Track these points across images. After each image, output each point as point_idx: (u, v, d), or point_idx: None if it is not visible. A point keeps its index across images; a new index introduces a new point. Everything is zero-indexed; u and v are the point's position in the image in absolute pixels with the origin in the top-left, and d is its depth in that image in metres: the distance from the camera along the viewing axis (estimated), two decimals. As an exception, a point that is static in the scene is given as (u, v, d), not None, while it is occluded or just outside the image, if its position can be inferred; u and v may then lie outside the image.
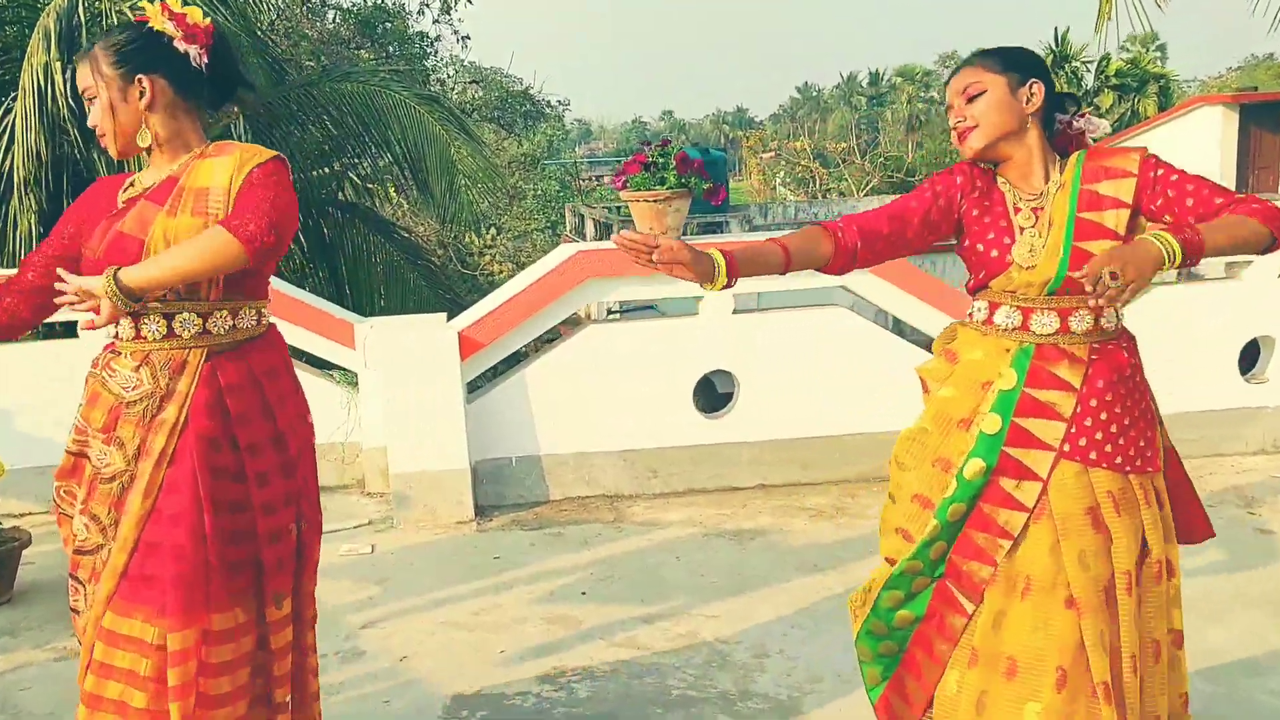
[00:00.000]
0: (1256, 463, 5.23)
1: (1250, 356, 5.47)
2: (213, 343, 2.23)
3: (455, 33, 21.55)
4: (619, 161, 5.20)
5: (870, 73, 79.71)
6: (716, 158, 21.96)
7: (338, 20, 18.70)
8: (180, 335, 2.21)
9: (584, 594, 4.06)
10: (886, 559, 2.39)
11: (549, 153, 34.90)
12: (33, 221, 8.00)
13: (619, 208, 21.86)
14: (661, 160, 4.83)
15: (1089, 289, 1.94)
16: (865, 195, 36.54)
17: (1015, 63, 2.28)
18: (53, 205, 8.10)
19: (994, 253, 2.25)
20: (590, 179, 38.04)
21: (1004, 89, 2.25)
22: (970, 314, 2.38)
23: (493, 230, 27.33)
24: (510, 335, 5.00)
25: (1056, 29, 45.11)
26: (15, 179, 7.67)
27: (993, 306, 2.30)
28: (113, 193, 2.31)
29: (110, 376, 2.23)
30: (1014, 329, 2.26)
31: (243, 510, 2.24)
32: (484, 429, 5.00)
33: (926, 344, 5.23)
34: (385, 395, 4.91)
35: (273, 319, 2.43)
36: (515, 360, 5.55)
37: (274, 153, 2.24)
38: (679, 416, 5.12)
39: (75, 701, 3.23)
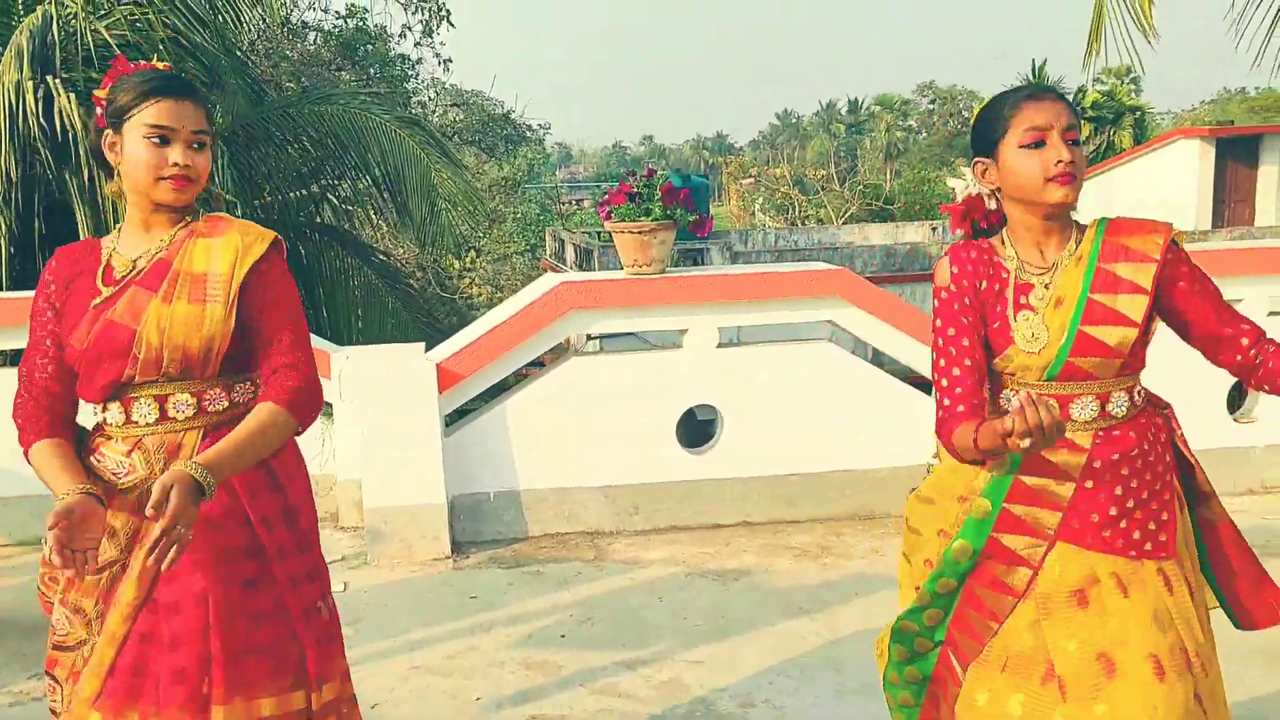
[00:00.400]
0: (1245, 503, 5.17)
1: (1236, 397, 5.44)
2: (208, 422, 2.09)
3: (437, 56, 21.51)
4: (599, 185, 5.14)
5: (849, 100, 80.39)
6: (699, 184, 21.91)
7: (319, 42, 18.65)
8: (174, 418, 2.08)
9: (563, 637, 3.94)
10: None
11: (529, 176, 34.92)
12: (2, 244, 7.86)
13: (599, 232, 21.84)
14: (647, 191, 4.75)
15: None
16: (844, 222, 36.72)
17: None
18: (23, 226, 7.96)
19: (1000, 334, 2.08)
20: (570, 203, 38.11)
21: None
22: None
23: (472, 253, 27.27)
24: (490, 367, 4.89)
25: (1034, 60, 45.71)
26: (-14, 197, 7.52)
27: (996, 389, 2.16)
28: (87, 268, 2.14)
29: (99, 462, 2.08)
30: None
31: (263, 587, 2.09)
32: (462, 463, 4.88)
33: (905, 374, 5.18)
34: (361, 427, 4.79)
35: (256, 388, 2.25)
36: (497, 391, 5.43)
37: (273, 235, 2.13)
38: (662, 451, 5.02)
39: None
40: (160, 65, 2.17)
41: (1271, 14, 7.84)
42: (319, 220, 11.77)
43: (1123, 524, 2.06)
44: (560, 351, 5.54)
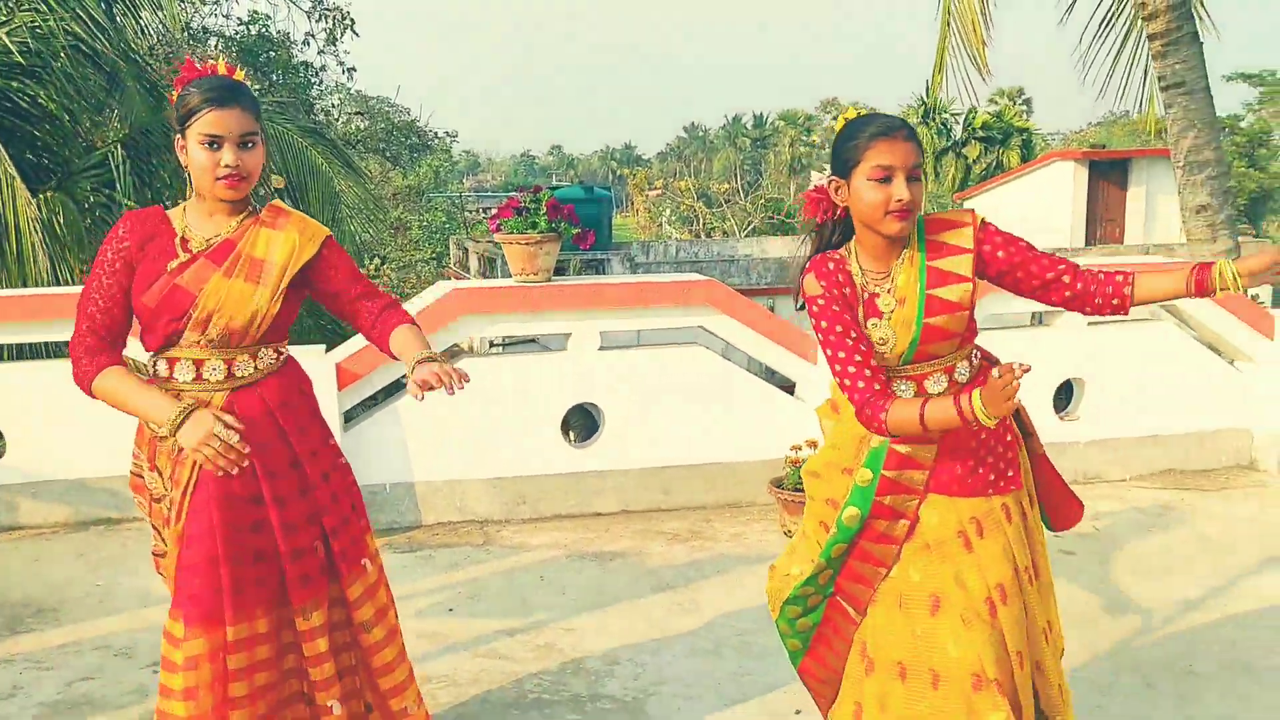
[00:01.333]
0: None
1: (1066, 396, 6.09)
2: (234, 384, 2.52)
3: (341, 64, 21.58)
4: (506, 194, 5.52)
5: (755, 115, 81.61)
6: (602, 196, 22.42)
7: (219, 48, 18.59)
8: (207, 380, 2.49)
9: (451, 610, 4.33)
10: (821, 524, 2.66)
11: (435, 184, 34.95)
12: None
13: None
14: (534, 206, 5.17)
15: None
16: (746, 235, 37.51)
17: (923, 151, 2.41)
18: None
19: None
20: (477, 211, 38.12)
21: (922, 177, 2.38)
22: None
23: (377, 261, 27.27)
24: (387, 366, 5.25)
25: (928, 81, 47.15)
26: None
27: None
28: (163, 234, 2.49)
29: None
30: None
31: (263, 529, 2.51)
32: (359, 456, 5.21)
33: (766, 374, 5.69)
34: (263, 423, 5.09)
35: (288, 355, 2.70)
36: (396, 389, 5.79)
37: (325, 233, 2.57)
38: (547, 446, 5.44)
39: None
40: (223, 67, 2.49)
41: (1113, 54, 8.63)
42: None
43: (979, 470, 2.46)
44: (454, 354, 5.92)
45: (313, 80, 21.03)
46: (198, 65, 2.50)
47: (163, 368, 2.53)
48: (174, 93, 2.48)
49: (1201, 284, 2.31)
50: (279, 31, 19.66)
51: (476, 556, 4.96)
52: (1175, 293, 2.37)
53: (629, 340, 5.71)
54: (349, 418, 5.43)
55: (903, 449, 2.46)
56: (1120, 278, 2.41)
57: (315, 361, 5.14)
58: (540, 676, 3.70)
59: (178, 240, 2.50)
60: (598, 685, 3.63)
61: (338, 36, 20.39)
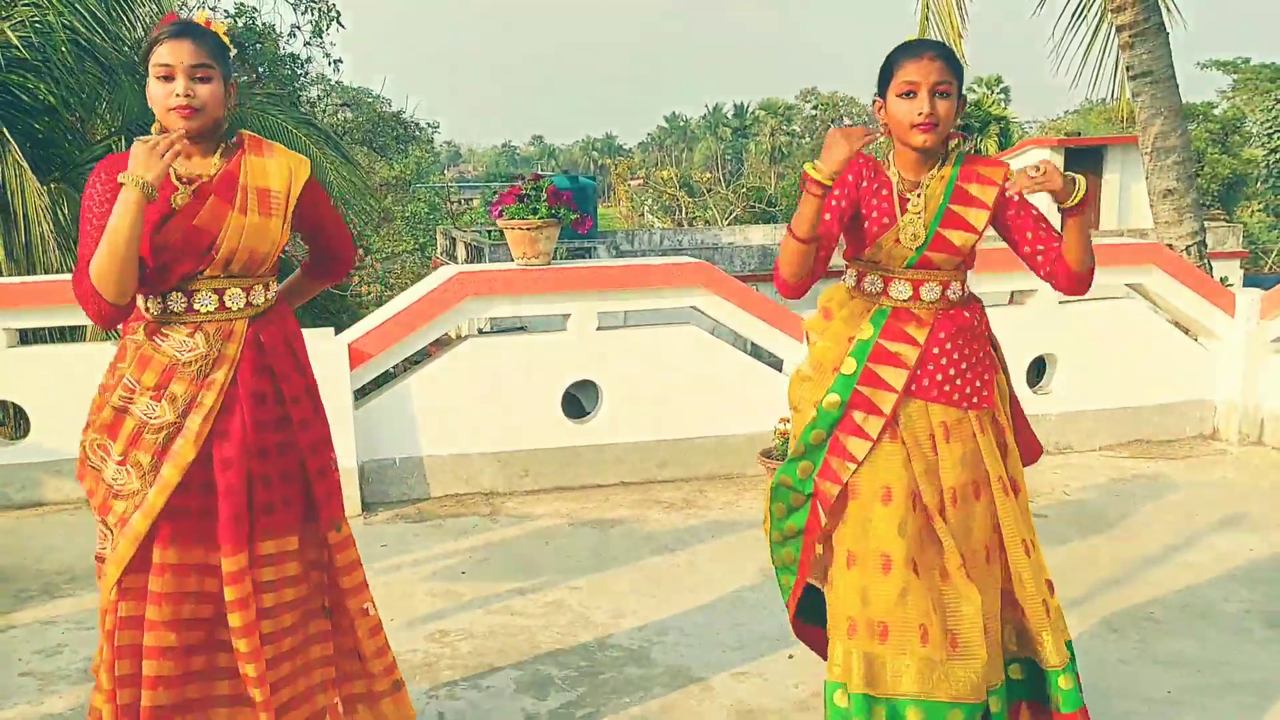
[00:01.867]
0: (1040, 461, 6.09)
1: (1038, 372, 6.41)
2: (254, 312, 2.62)
3: (327, 56, 21.74)
4: (489, 185, 5.78)
5: (735, 105, 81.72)
6: (586, 185, 22.64)
7: (208, 39, 18.68)
8: (229, 308, 2.57)
9: (463, 573, 4.61)
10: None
11: (418, 175, 35.05)
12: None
13: (490, 231, 22.35)
14: (534, 193, 5.44)
15: (1014, 183, 2.41)
16: (728, 224, 37.77)
17: (961, 73, 2.56)
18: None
19: (875, 229, 2.63)
20: (460, 202, 38.19)
21: (957, 97, 2.54)
22: (844, 278, 2.80)
23: (361, 250, 27.42)
24: (396, 347, 5.51)
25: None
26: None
27: (860, 275, 2.73)
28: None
29: (162, 342, 2.56)
30: (876, 293, 2.70)
31: (290, 452, 2.65)
32: (370, 432, 5.49)
33: (755, 353, 5.98)
34: (278, 401, 5.35)
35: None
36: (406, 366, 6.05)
37: (308, 161, 2.69)
38: (548, 422, 5.72)
39: (2, 670, 3.64)
40: (201, 19, 2.55)
41: (1085, 44, 8.94)
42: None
43: (957, 382, 2.66)
44: (444, 342, 6.16)
45: (299, 72, 21.17)
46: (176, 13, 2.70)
47: (178, 302, 2.55)
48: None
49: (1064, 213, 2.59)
50: (265, 24, 19.79)
51: (484, 525, 5.24)
52: (1066, 237, 2.61)
53: (620, 322, 5.98)
54: (359, 395, 5.69)
55: (890, 345, 2.65)
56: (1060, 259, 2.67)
57: (327, 343, 5.40)
58: (551, 629, 3.99)
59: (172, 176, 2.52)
60: (605, 636, 3.92)
61: (324, 29, 20.59)
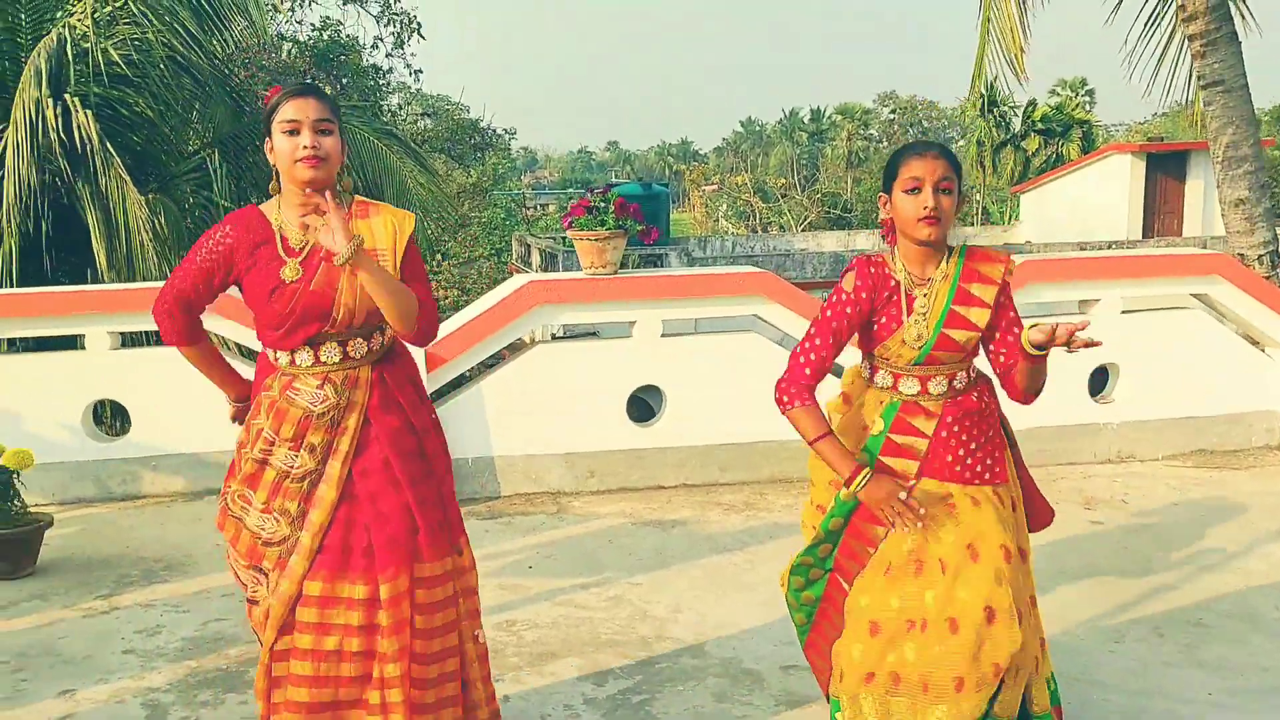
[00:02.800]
0: (1101, 470, 6.17)
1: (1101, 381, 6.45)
2: (374, 358, 2.78)
3: (408, 66, 22.37)
4: (564, 190, 6.03)
5: (812, 109, 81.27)
6: (659, 192, 22.87)
7: (294, 53, 19.39)
8: (353, 357, 2.73)
9: (530, 568, 4.84)
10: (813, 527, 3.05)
11: (495, 181, 35.66)
12: (15, 243, 8.60)
13: (564, 237, 22.72)
14: (603, 205, 5.67)
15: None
16: (803, 230, 37.69)
17: (960, 171, 2.73)
18: (34, 229, 8.70)
19: (884, 331, 2.77)
20: (536, 207, 38.69)
21: (957, 194, 2.70)
22: (861, 367, 2.96)
23: (438, 256, 28.01)
24: (470, 351, 5.78)
25: (987, 77, 46.80)
26: (4, 203, 8.28)
27: (874, 369, 2.87)
28: (266, 237, 2.69)
29: (295, 395, 2.73)
30: (887, 388, 2.84)
31: (429, 479, 2.82)
32: (445, 433, 5.74)
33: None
34: (358, 403, 5.65)
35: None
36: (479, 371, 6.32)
37: (412, 216, 2.80)
38: (614, 425, 5.94)
39: (107, 647, 3.96)
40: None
41: (1158, 51, 8.90)
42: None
43: (969, 461, 2.78)
44: (517, 346, 6.42)
45: (380, 82, 21.78)
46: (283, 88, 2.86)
47: (305, 357, 2.72)
48: (263, 104, 2.81)
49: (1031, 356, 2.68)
50: (349, 36, 20.43)
51: (551, 523, 5.48)
52: (1023, 368, 2.72)
53: (673, 330, 6.17)
54: (435, 397, 5.97)
55: (900, 440, 2.79)
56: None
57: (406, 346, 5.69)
58: (612, 622, 4.20)
59: (278, 241, 2.69)
60: (663, 629, 4.12)
61: (405, 40, 21.17)
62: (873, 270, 2.79)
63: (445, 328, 5.87)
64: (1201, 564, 4.68)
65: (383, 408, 2.77)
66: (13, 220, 8.42)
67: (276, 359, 2.79)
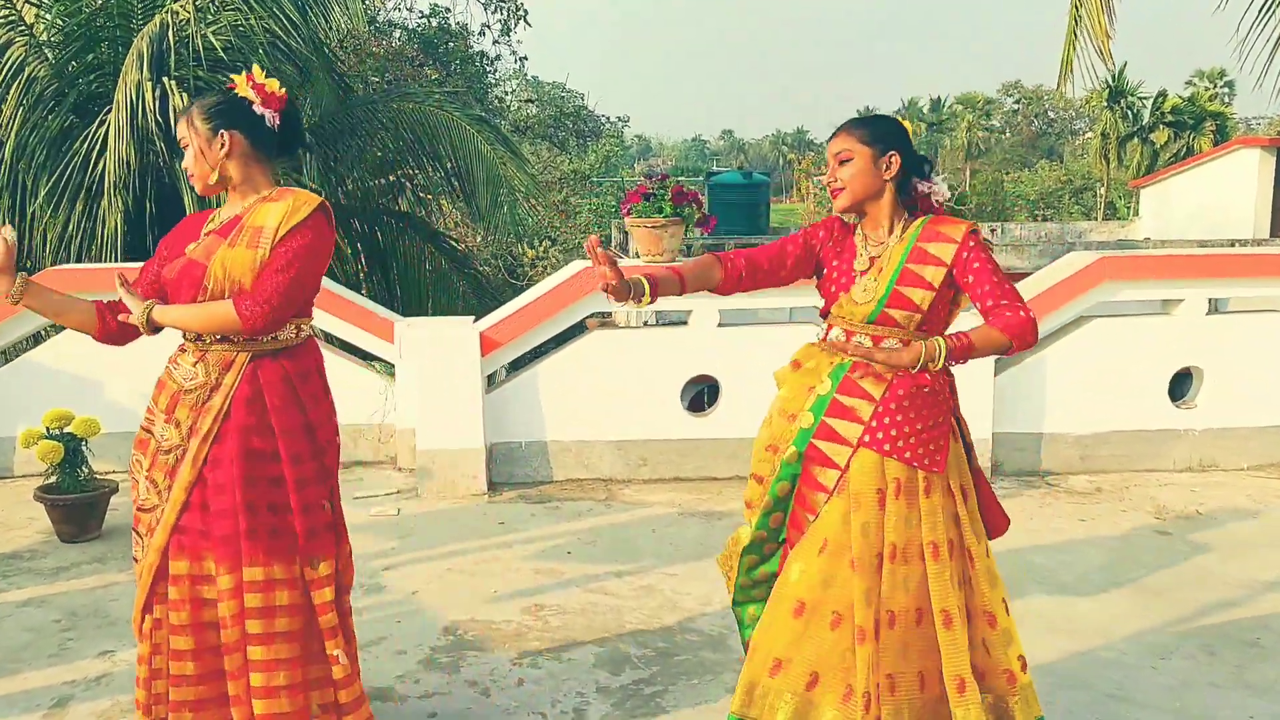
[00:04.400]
0: (1179, 478, 5.88)
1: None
2: (257, 348, 2.75)
3: (514, 53, 22.61)
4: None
5: (931, 99, 79.57)
6: (759, 181, 22.62)
7: (403, 40, 19.79)
8: (232, 340, 2.72)
9: (569, 553, 4.85)
10: (746, 503, 3.06)
11: (607, 169, 35.86)
12: (119, 220, 8.98)
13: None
14: (660, 192, 5.63)
15: (850, 348, 2.70)
16: (913, 221, 36.83)
17: (879, 135, 2.77)
18: (137, 207, 9.09)
19: (833, 289, 2.84)
20: (645, 196, 38.59)
21: (868, 159, 2.75)
22: (817, 333, 2.97)
23: (546, 242, 28.31)
24: (526, 336, 5.82)
25: (1087, 62, 45.07)
26: (106, 183, 8.65)
27: (829, 328, 2.87)
28: (198, 227, 2.86)
29: (175, 369, 2.79)
30: (839, 343, 2.82)
31: (279, 485, 2.74)
32: (499, 416, 5.82)
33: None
34: (417, 384, 5.75)
35: (310, 332, 2.91)
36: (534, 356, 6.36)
37: (318, 201, 2.74)
38: (668, 414, 5.90)
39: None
40: (259, 75, 2.86)
41: (1271, 42, 8.42)
42: (396, 207, 12.76)
43: (911, 440, 2.71)
44: (602, 323, 6.43)
45: (487, 69, 22.08)
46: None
47: (190, 333, 2.77)
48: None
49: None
50: (457, 23, 20.77)
51: (598, 510, 5.48)
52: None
53: (731, 320, 6.09)
54: (490, 381, 6.03)
55: (845, 400, 2.74)
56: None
57: (462, 329, 5.76)
58: (639, 611, 4.18)
59: (204, 226, 2.84)
60: (688, 621, 4.09)
61: (512, 27, 21.40)
62: (839, 225, 2.91)
63: (501, 312, 5.92)
64: (1267, 581, 4.43)
65: (246, 401, 2.73)
66: (116, 199, 8.79)
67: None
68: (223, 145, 2.75)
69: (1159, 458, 5.99)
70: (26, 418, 5.93)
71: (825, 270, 2.90)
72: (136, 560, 2.85)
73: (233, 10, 9.86)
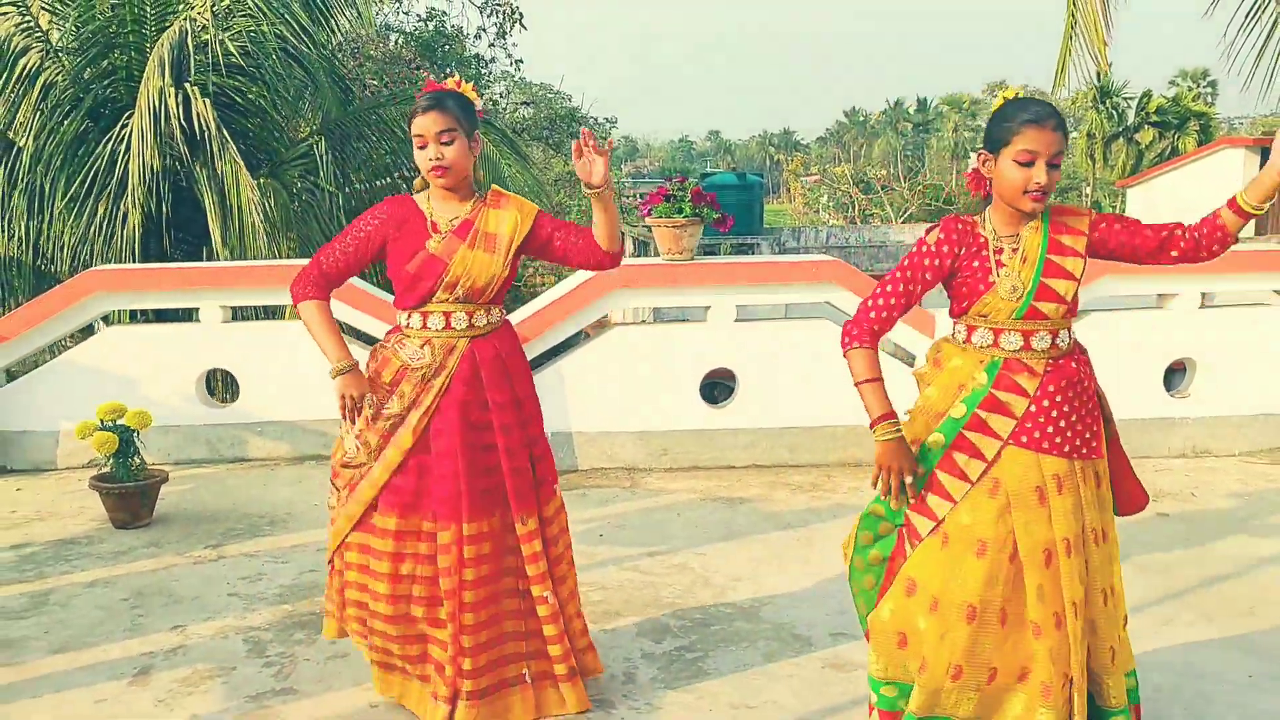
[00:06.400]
0: (1175, 464, 6.18)
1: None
2: (475, 333, 3.17)
3: (509, 56, 22.80)
4: (663, 180, 6.28)
5: (918, 99, 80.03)
6: (753, 182, 22.98)
7: (400, 43, 19.98)
8: (455, 328, 3.14)
9: (601, 536, 5.12)
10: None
11: (595, 170, 36.00)
12: (138, 220, 9.20)
13: (658, 226, 23.03)
14: (680, 193, 5.90)
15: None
16: (902, 222, 37.25)
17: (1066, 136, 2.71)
18: (156, 207, 9.29)
19: (980, 286, 2.74)
20: (634, 197, 38.94)
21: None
22: (953, 334, 2.89)
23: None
24: (550, 332, 6.08)
25: (1081, 68, 45.47)
26: (130, 185, 8.87)
27: (970, 329, 2.80)
28: (414, 221, 3.14)
29: (400, 349, 3.17)
30: (987, 346, 2.78)
31: (491, 451, 3.16)
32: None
33: (893, 350, 6.26)
34: (447, 377, 5.99)
35: (503, 316, 3.30)
36: (557, 352, 6.62)
37: (535, 209, 3.18)
38: (687, 406, 6.17)
39: (214, 590, 4.36)
40: (451, 83, 3.16)
41: (1258, 45, 8.73)
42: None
43: (1068, 434, 2.74)
44: (600, 325, 6.69)
45: (483, 71, 22.27)
46: (436, 82, 3.20)
47: (416, 320, 3.16)
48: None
49: (1231, 205, 2.71)
50: (453, 26, 20.95)
51: (623, 496, 5.74)
52: (1234, 219, 2.70)
53: (746, 315, 6.35)
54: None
55: (1001, 395, 2.73)
56: (1211, 216, 2.74)
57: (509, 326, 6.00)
58: (673, 587, 4.45)
59: (428, 223, 3.14)
60: (721, 595, 4.35)
61: (507, 30, 21.61)
62: (960, 227, 2.78)
63: (527, 309, 6.18)
64: (1263, 556, 4.72)
65: (466, 378, 3.13)
66: (137, 201, 9.02)
67: (400, 319, 3.23)
68: (476, 145, 3.13)
69: (1155, 445, 6.28)
70: (67, 415, 6.18)
71: (958, 272, 2.80)
72: (331, 508, 3.31)
73: (245, 16, 10.09)
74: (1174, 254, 2.77)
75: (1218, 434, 6.34)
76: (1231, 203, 2.72)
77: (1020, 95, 2.74)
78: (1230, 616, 4.11)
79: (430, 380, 3.13)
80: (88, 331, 7.15)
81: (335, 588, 3.36)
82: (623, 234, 3.22)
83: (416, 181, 3.24)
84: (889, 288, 2.81)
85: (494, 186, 3.28)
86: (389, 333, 3.31)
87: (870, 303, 2.83)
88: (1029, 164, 2.63)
